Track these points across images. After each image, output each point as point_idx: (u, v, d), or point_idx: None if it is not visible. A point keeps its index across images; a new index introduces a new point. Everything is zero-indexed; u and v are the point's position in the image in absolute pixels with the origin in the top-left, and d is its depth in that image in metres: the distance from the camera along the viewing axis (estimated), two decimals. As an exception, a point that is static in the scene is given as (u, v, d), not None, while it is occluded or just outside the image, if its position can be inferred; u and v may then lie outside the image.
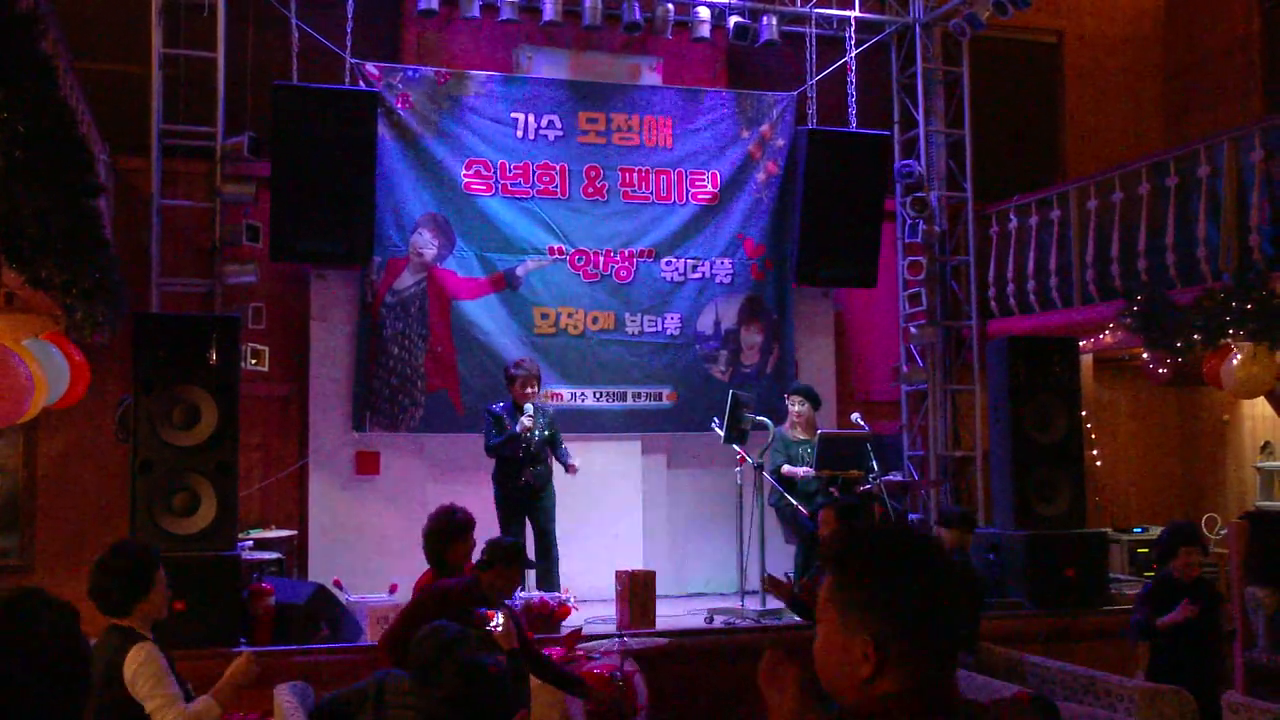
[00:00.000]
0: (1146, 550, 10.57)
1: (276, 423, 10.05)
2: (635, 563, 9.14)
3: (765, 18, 10.65)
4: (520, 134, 10.27)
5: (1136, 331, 8.96)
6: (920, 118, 11.44)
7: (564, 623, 7.90)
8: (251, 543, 8.82)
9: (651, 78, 10.85)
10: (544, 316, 10.19)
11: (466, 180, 10.09)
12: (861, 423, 9.20)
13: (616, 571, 8.34)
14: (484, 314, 10.05)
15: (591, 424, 10.15)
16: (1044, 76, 12.79)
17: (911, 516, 10.52)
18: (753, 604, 8.64)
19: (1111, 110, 12.67)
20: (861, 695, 1.96)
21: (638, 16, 10.31)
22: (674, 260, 10.54)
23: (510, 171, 10.20)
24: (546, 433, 8.79)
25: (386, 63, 10.07)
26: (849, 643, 1.97)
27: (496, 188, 10.17)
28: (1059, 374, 9.29)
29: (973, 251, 11.49)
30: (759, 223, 10.78)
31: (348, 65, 9.71)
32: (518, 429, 8.57)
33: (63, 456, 9.52)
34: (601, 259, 10.35)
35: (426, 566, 6.30)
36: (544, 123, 10.33)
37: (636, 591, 8.12)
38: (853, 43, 11.13)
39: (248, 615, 7.56)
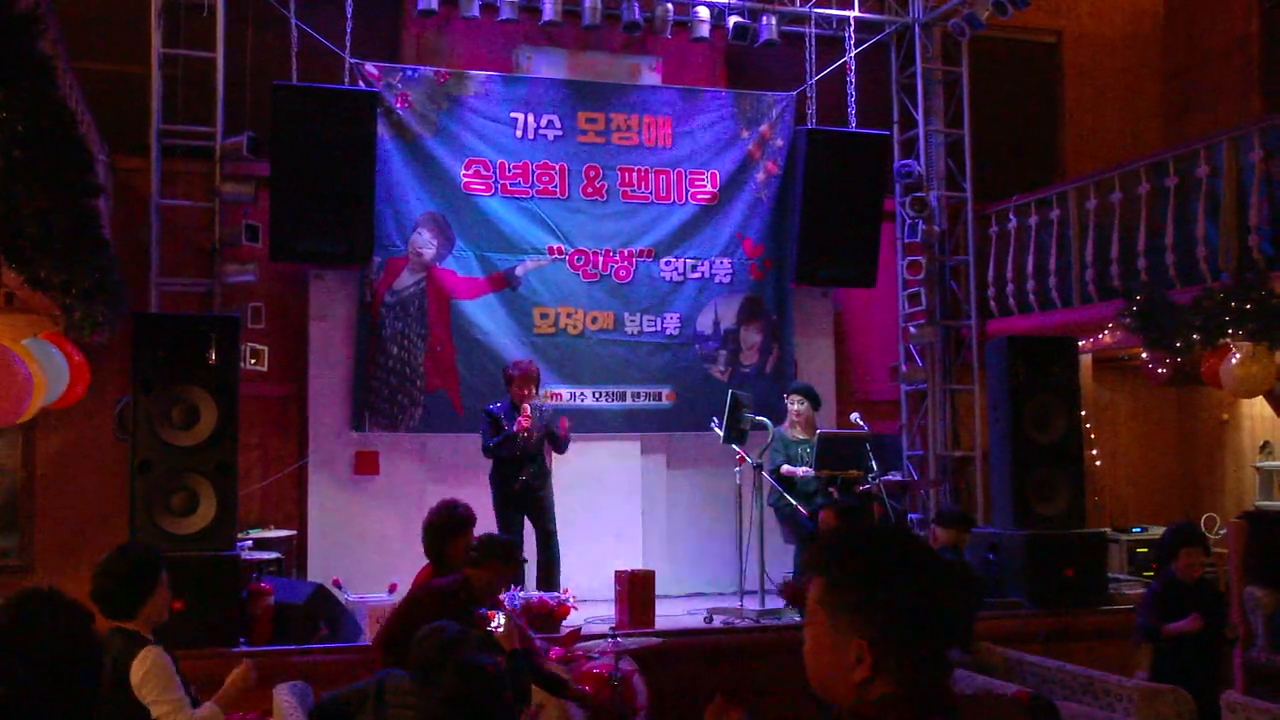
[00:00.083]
0: (1146, 550, 10.57)
1: (276, 422, 10.05)
2: (634, 562, 9.14)
3: (765, 17, 10.65)
4: (520, 134, 10.26)
5: (1136, 331, 8.96)
6: (920, 118, 11.44)
7: (563, 622, 7.90)
8: (251, 542, 8.81)
9: (651, 78, 10.85)
10: (543, 316, 10.19)
11: (466, 180, 10.09)
12: (861, 423, 9.20)
13: (616, 571, 8.34)
14: (483, 314, 10.05)
15: (591, 424, 10.14)
16: (1043, 76, 12.79)
17: (911, 516, 10.53)
18: (752, 604, 8.63)
19: (1111, 110, 12.68)
20: (856, 698, 1.95)
21: (637, 16, 10.30)
22: (673, 260, 10.54)
23: (509, 171, 10.20)
24: (544, 430, 8.77)
25: (386, 62, 10.07)
26: (841, 645, 1.96)
27: (496, 187, 10.17)
28: (1058, 374, 9.29)
29: (972, 251, 11.49)
30: (758, 223, 10.78)
31: (347, 65, 9.71)
32: (514, 429, 8.57)
33: (62, 456, 9.52)
34: (601, 259, 10.35)
35: (425, 563, 6.32)
36: (543, 122, 10.33)
37: (635, 591, 8.12)
38: (852, 43, 11.13)
39: (247, 615, 7.55)
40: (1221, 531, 9.86)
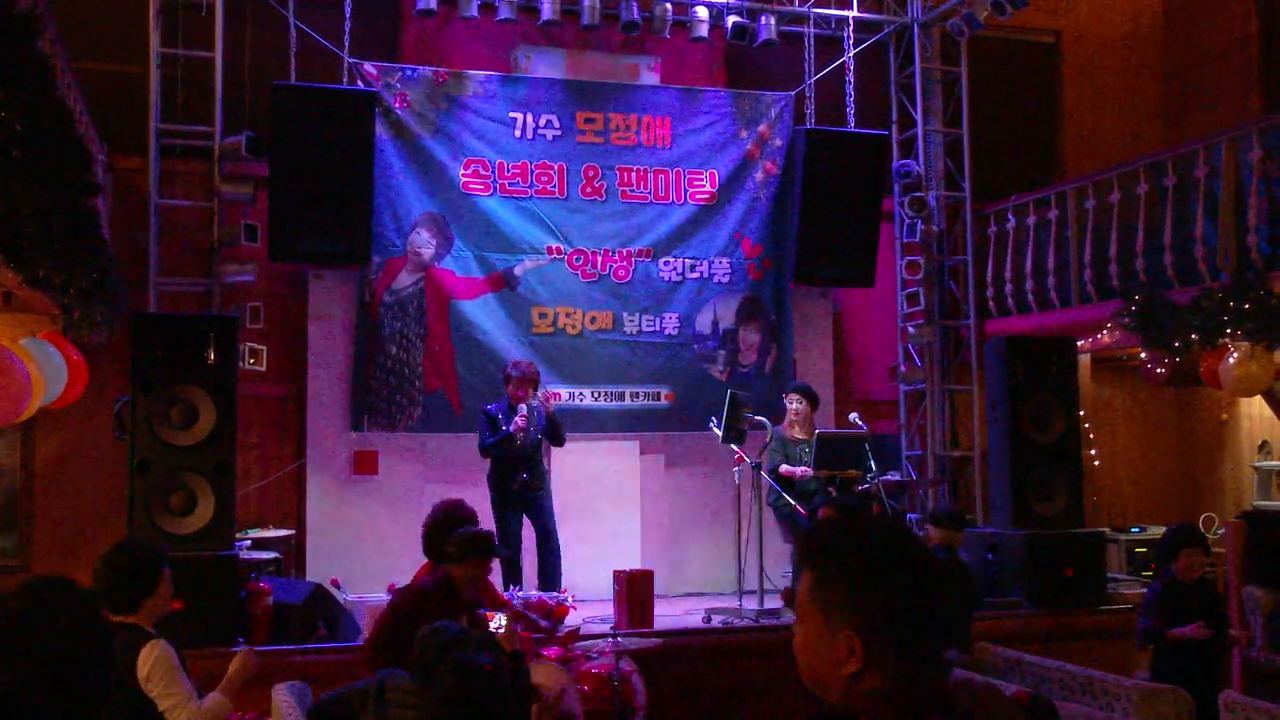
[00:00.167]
0: (1144, 550, 10.58)
1: (274, 422, 10.05)
2: (633, 562, 9.15)
3: (763, 17, 10.65)
4: (518, 133, 10.26)
5: (1134, 331, 8.96)
6: (918, 117, 11.44)
7: (562, 622, 7.90)
8: (249, 542, 8.81)
9: (650, 77, 10.84)
10: (542, 316, 10.19)
11: (465, 180, 10.09)
12: (859, 422, 9.20)
13: (614, 571, 8.34)
14: (482, 314, 10.05)
15: (590, 424, 10.15)
16: (1042, 76, 12.79)
17: (909, 516, 10.54)
18: (751, 604, 8.63)
19: (1109, 110, 12.68)
20: (847, 692, 1.95)
21: (636, 16, 10.30)
22: (672, 260, 10.54)
23: (508, 171, 10.20)
24: (541, 433, 8.77)
25: (385, 62, 10.07)
26: (832, 639, 1.95)
27: (495, 187, 10.17)
28: (1057, 374, 9.29)
29: (971, 251, 11.49)
30: (757, 222, 10.78)
31: (346, 65, 9.71)
32: (511, 429, 8.57)
33: (60, 456, 9.52)
34: (600, 258, 10.35)
35: (424, 562, 6.33)
36: (542, 122, 10.33)
37: (634, 591, 8.12)
38: (851, 42, 11.13)
39: (245, 615, 7.55)
40: (1220, 531, 9.86)
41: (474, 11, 10.00)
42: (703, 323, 10.58)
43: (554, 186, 10.32)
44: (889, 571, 1.95)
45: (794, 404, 9.24)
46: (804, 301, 11.06)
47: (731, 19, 10.63)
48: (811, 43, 10.96)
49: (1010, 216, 11.20)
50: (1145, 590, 7.46)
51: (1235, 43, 12.04)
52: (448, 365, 9.94)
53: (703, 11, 10.61)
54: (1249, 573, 8.38)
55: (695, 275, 10.59)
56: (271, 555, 8.85)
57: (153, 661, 4.14)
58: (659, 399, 10.42)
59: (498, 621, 5.34)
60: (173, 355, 7.63)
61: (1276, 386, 8.62)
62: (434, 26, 10.49)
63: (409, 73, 10.03)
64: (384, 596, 7.95)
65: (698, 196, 10.66)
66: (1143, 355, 9.21)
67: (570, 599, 8.21)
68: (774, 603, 8.55)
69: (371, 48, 10.13)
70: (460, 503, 6.47)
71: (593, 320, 10.31)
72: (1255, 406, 11.07)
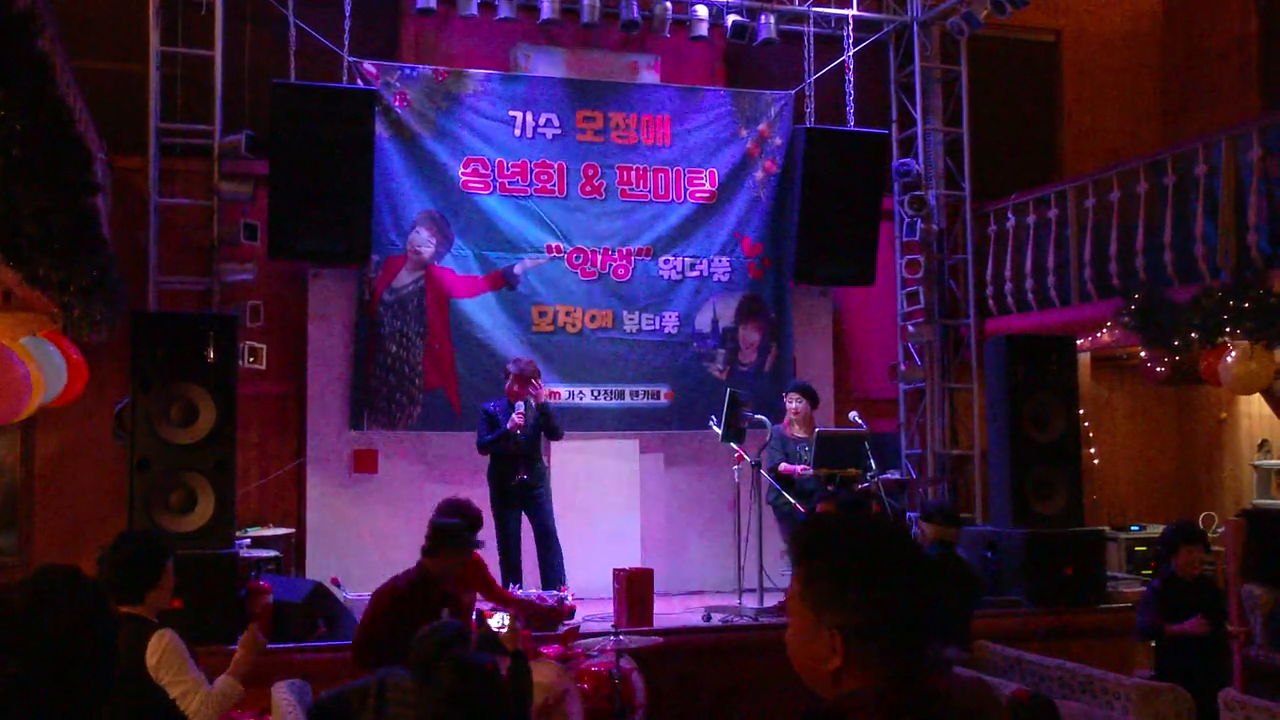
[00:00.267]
0: (1144, 548, 10.59)
1: (274, 421, 10.05)
2: (633, 561, 9.16)
3: (763, 16, 10.65)
4: (518, 132, 10.26)
5: (1134, 330, 8.97)
6: (918, 116, 11.44)
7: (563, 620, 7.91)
8: (249, 540, 8.82)
9: (649, 76, 10.84)
10: (542, 315, 10.19)
11: (464, 178, 10.09)
12: (859, 421, 9.19)
13: (614, 569, 8.35)
14: (482, 312, 10.05)
15: (589, 422, 10.15)
16: (1042, 75, 12.79)
17: (909, 515, 10.54)
18: (750, 602, 8.64)
19: (1109, 109, 12.68)
20: (834, 689, 1.95)
21: (635, 15, 10.30)
22: (672, 258, 10.54)
23: (508, 170, 10.20)
24: (535, 426, 8.77)
25: (384, 61, 10.07)
26: (817, 636, 1.96)
27: (494, 186, 10.17)
28: (1057, 372, 9.30)
29: (971, 250, 11.49)
30: (757, 221, 10.78)
31: (345, 63, 9.71)
32: (508, 426, 8.58)
33: (60, 454, 9.52)
34: (599, 257, 10.35)
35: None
36: (542, 121, 10.33)
37: (634, 589, 8.13)
38: (850, 41, 11.13)
39: (245, 613, 7.55)
40: (1220, 530, 9.86)
41: (473, 10, 10.00)
42: (702, 321, 10.58)
43: (554, 185, 10.32)
44: (872, 571, 1.94)
45: (794, 403, 9.24)
46: (804, 300, 11.06)
47: (731, 18, 10.63)
48: (811, 41, 10.96)
49: (1010, 215, 11.20)
50: (1144, 588, 7.47)
51: (1235, 41, 12.04)
52: (447, 364, 9.94)
53: (702, 10, 10.61)
54: (1248, 571, 8.37)
55: (695, 274, 10.59)
56: (271, 553, 8.85)
57: (162, 650, 4.18)
58: (659, 398, 10.43)
59: (501, 620, 5.34)
60: (172, 354, 7.64)
61: (1276, 385, 8.62)
62: (433, 25, 10.49)
63: (408, 71, 10.03)
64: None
65: (697, 195, 10.66)
66: (1142, 354, 9.22)
67: (570, 597, 8.22)
68: (774, 601, 8.55)
69: (371, 46, 10.14)
70: (468, 502, 6.52)
71: (592, 319, 10.31)
72: (1255, 405, 11.07)
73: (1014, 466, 9.09)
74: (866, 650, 1.92)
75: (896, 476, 9.60)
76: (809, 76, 10.97)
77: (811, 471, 8.81)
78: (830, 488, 8.66)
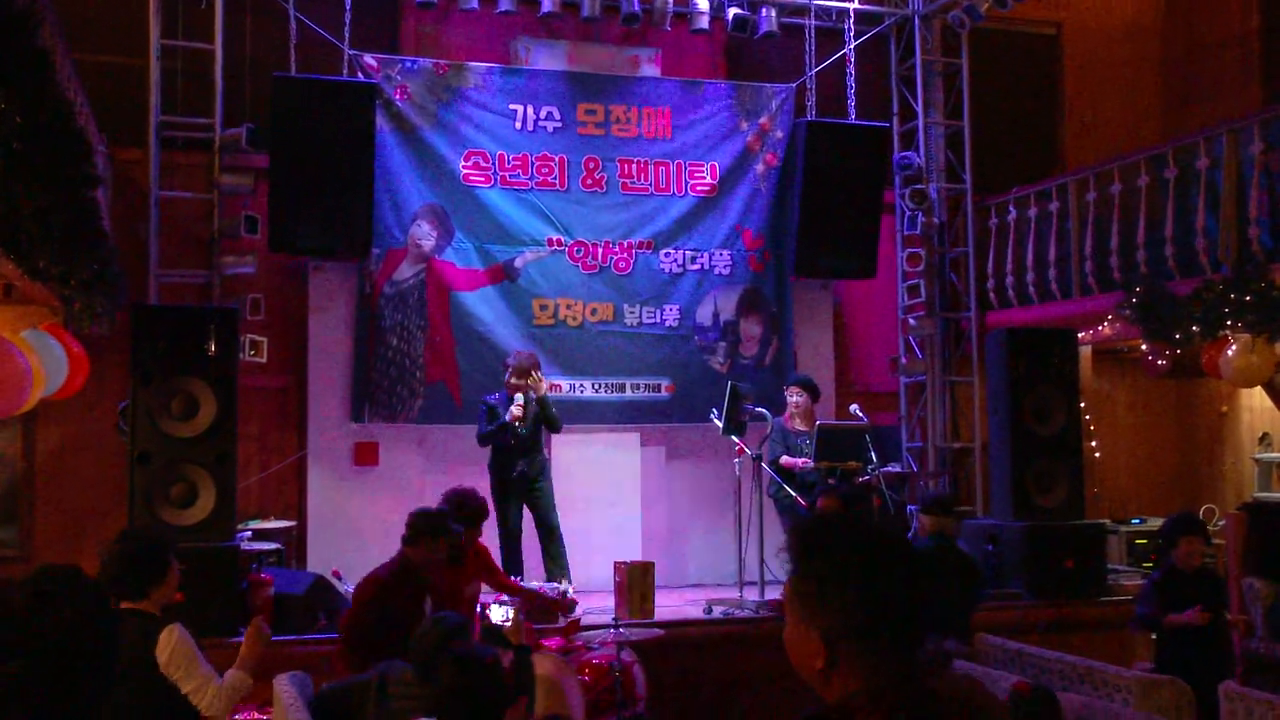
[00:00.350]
0: (1145, 541, 10.59)
1: (275, 414, 10.05)
2: (634, 553, 9.17)
3: (764, 9, 10.64)
4: (519, 125, 10.26)
5: (1135, 323, 8.96)
6: (919, 109, 11.43)
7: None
8: (250, 533, 8.82)
9: (650, 69, 10.84)
10: (543, 308, 10.19)
11: (465, 171, 10.08)
12: (860, 414, 9.20)
13: (615, 562, 8.36)
14: (483, 305, 10.05)
15: (590, 415, 10.15)
16: (1043, 68, 12.77)
17: (910, 508, 10.54)
18: (751, 595, 8.64)
19: (1110, 102, 12.66)
20: (825, 687, 1.96)
21: (636, 8, 10.29)
22: (673, 252, 10.54)
23: (509, 163, 10.19)
24: (538, 416, 8.76)
25: (385, 54, 10.06)
26: (806, 635, 1.97)
27: (495, 179, 10.16)
28: (1058, 366, 9.30)
29: (972, 243, 11.49)
30: (758, 214, 10.77)
31: (346, 57, 9.70)
32: (506, 418, 8.58)
33: (61, 447, 9.53)
34: (600, 250, 10.35)
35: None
36: (543, 114, 10.32)
37: (635, 582, 8.14)
38: (852, 34, 11.11)
39: (247, 606, 7.56)
40: (1220, 523, 9.87)
41: (474, 3, 9.99)
42: (703, 314, 10.58)
43: (554, 178, 10.31)
44: (853, 576, 1.94)
45: (794, 396, 9.24)
46: (805, 293, 11.06)
47: (732, 11, 10.62)
48: (812, 35, 10.95)
49: (1011, 208, 11.19)
50: (1144, 580, 7.48)
51: (1236, 35, 12.02)
52: (448, 357, 9.94)
53: (703, 3, 10.59)
54: (1249, 564, 8.39)
55: (696, 267, 10.58)
56: (272, 546, 8.85)
57: (172, 647, 4.19)
58: (660, 391, 10.43)
59: (504, 614, 5.36)
60: (173, 347, 7.65)
61: (1277, 378, 8.62)
62: (434, 18, 10.48)
63: (409, 64, 10.02)
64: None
65: (698, 188, 10.65)
66: (1144, 347, 9.22)
67: (570, 590, 8.23)
68: (775, 594, 8.56)
69: (371, 39, 10.13)
70: (473, 492, 6.55)
71: (593, 312, 10.31)
72: (1256, 398, 11.07)
73: (1015, 459, 9.10)
74: (852, 652, 1.92)
75: (897, 469, 9.62)
76: (810, 70, 10.96)
77: (812, 464, 8.82)
78: (831, 481, 8.67)
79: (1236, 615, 7.01)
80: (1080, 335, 9.89)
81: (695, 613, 8.48)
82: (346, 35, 9.65)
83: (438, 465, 9.81)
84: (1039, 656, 6.50)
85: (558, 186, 10.31)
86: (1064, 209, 10.59)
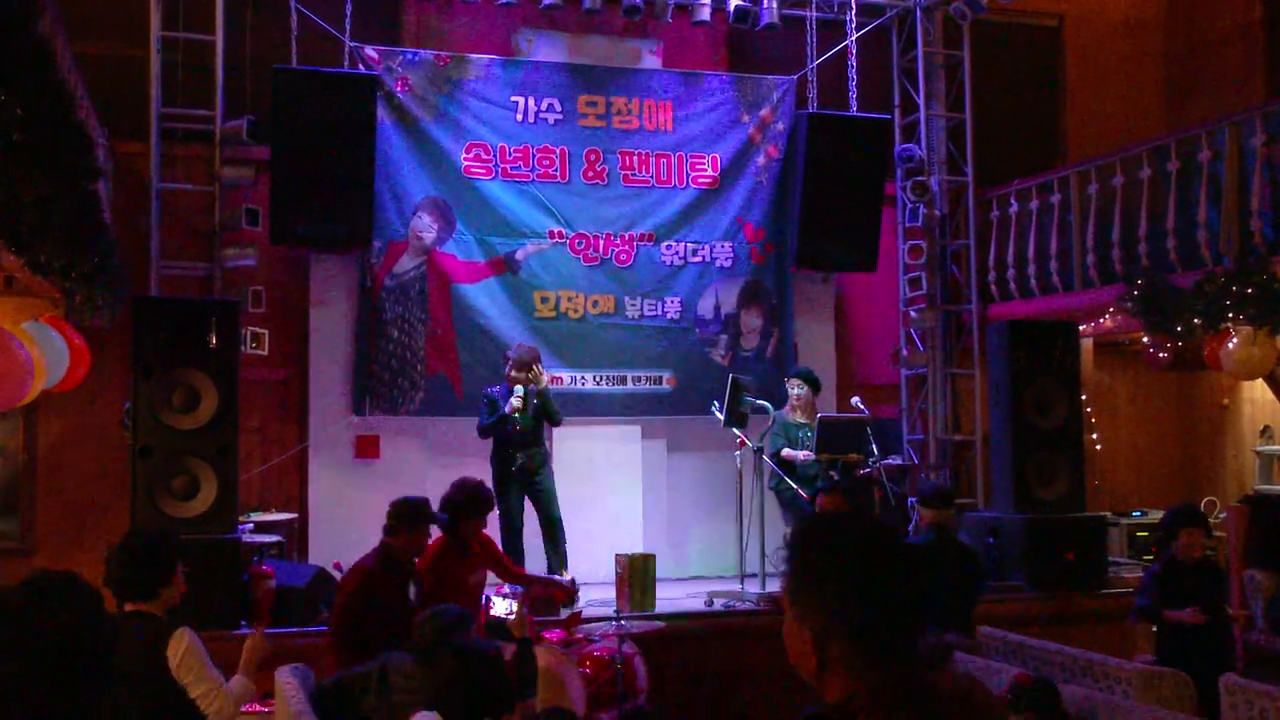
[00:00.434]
0: (1146, 534, 10.60)
1: (276, 406, 10.06)
2: (635, 546, 9.16)
3: (766, 1, 10.60)
4: (520, 117, 10.24)
5: (1137, 315, 8.96)
6: (921, 102, 11.41)
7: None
8: (252, 526, 8.83)
9: (651, 61, 10.82)
10: (544, 300, 10.18)
11: (466, 164, 10.07)
12: (861, 406, 9.20)
13: (616, 554, 8.37)
14: (484, 297, 10.05)
15: (591, 408, 10.15)
16: (1045, 60, 12.75)
17: (910, 500, 10.55)
18: (752, 587, 8.66)
19: (1112, 94, 12.64)
20: (820, 685, 1.97)
21: (638, 0, 10.27)
22: (674, 244, 10.53)
23: (510, 155, 10.18)
24: (535, 403, 8.76)
25: (386, 46, 10.04)
26: (800, 633, 1.97)
27: (496, 171, 10.15)
28: (1059, 358, 9.30)
29: (973, 235, 11.47)
30: (759, 207, 10.76)
31: (347, 48, 9.69)
32: (506, 410, 8.59)
33: (63, 439, 9.53)
34: (601, 242, 10.34)
35: (435, 537, 6.41)
36: (544, 106, 10.31)
37: (636, 574, 8.15)
38: (853, 26, 11.08)
39: (248, 598, 7.58)
40: (1222, 515, 9.87)
41: (475, -5, 9.98)
42: (704, 307, 10.58)
43: (555, 170, 10.30)
44: (842, 578, 1.94)
45: (795, 388, 9.24)
46: (806, 286, 11.05)
47: (734, 2, 10.56)
48: (814, 26, 10.92)
49: (1013, 201, 11.18)
50: (1143, 572, 7.48)
51: (1238, 27, 12.00)
52: (449, 349, 9.94)
53: (705, -5, 10.57)
54: (1250, 557, 8.39)
55: (697, 259, 10.58)
56: (274, 539, 8.87)
57: (184, 651, 4.19)
58: (661, 383, 10.43)
59: (508, 607, 5.37)
60: (174, 339, 7.65)
61: (1278, 370, 8.61)
62: (435, 10, 10.47)
63: (410, 56, 10.01)
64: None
65: (700, 181, 10.64)
66: (1145, 340, 9.21)
67: (572, 582, 8.23)
68: (775, 586, 8.56)
69: (372, 31, 10.11)
70: (480, 483, 6.57)
71: (594, 304, 10.30)
72: (1257, 391, 11.07)
73: (1016, 452, 9.10)
74: (845, 651, 1.93)
75: (898, 462, 9.60)
76: (811, 61, 10.94)
77: (814, 457, 8.82)
78: (832, 473, 8.68)
79: (1237, 609, 7.00)
80: (1081, 328, 9.89)
81: (696, 605, 8.49)
82: (347, 27, 9.63)
83: (439, 458, 9.80)
84: (1040, 649, 6.50)
85: (559, 179, 10.31)
86: (1066, 201, 10.58)
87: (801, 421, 9.13)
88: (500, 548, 7.40)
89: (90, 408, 9.35)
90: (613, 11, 10.50)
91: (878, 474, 8.56)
